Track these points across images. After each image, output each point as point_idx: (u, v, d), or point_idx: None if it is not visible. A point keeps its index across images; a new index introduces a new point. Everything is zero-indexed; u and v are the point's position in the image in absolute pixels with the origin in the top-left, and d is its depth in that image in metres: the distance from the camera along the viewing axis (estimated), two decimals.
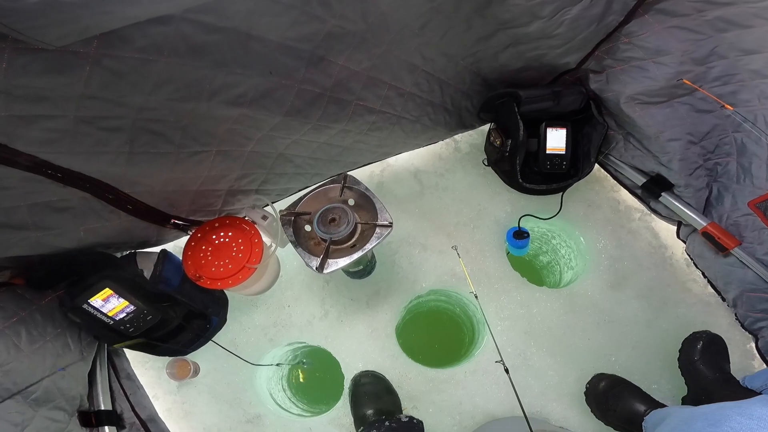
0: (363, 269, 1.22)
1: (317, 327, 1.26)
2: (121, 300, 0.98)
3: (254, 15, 0.66)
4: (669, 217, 1.24)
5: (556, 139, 1.18)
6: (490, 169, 1.39)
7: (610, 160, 1.30)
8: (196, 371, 1.25)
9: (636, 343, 1.20)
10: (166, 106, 0.70)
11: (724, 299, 1.20)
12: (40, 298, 1.01)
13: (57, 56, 0.54)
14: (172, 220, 1.06)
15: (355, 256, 0.93)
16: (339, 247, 0.99)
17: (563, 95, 1.13)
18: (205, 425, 1.20)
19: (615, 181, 1.34)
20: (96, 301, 0.96)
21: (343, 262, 0.94)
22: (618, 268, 1.29)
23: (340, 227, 0.95)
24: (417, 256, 1.31)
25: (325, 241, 0.95)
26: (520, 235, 1.28)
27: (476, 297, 1.09)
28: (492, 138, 1.27)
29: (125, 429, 1.12)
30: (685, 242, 1.26)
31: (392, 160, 1.39)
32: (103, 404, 1.11)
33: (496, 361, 0.86)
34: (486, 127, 1.37)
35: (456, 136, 1.41)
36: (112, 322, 0.99)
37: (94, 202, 0.82)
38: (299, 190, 1.24)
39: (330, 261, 0.93)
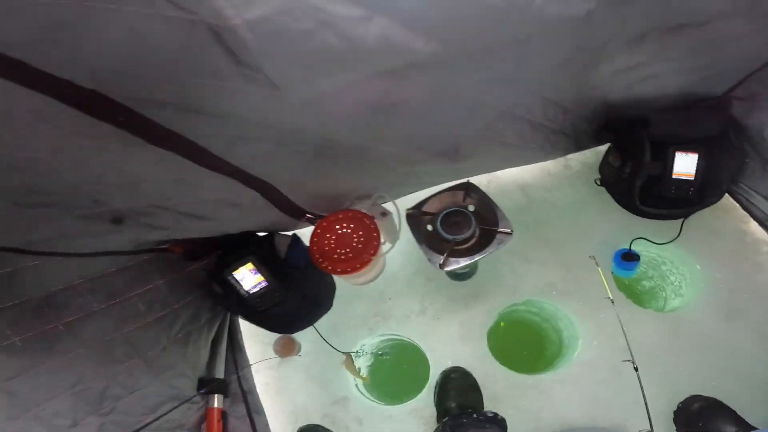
0: (468, 272, 1.27)
1: (414, 321, 1.33)
2: (258, 275, 1.13)
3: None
4: None
5: (684, 164, 1.14)
6: (601, 189, 1.37)
7: (743, 190, 1.23)
8: (298, 350, 1.37)
9: (742, 375, 1.13)
10: (351, 143, 0.82)
11: None
12: (188, 266, 1.18)
13: None
14: (307, 215, 1.19)
15: (476, 257, 0.99)
16: (457, 248, 1.05)
17: (698, 119, 1.10)
18: (295, 403, 1.31)
19: (744, 212, 1.26)
20: (239, 273, 1.11)
21: (464, 261, 1.00)
22: (736, 299, 1.22)
23: (463, 230, 1.01)
24: (519, 266, 1.34)
25: (447, 241, 1.02)
26: (630, 257, 1.25)
27: (612, 302, 1.10)
28: (611, 158, 1.26)
29: (228, 398, 1.26)
30: None
31: (500, 173, 1.43)
32: (219, 373, 1.26)
33: (624, 360, 0.90)
34: (600, 147, 1.36)
35: (568, 156, 1.41)
36: (246, 295, 1.14)
37: (260, 201, 0.96)
38: (412, 192, 1.32)
39: (451, 259, 1.00)
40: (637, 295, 1.55)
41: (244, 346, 1.38)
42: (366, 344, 1.42)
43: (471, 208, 1.09)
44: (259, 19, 0.49)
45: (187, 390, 1.14)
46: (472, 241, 1.06)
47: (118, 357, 0.96)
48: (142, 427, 0.98)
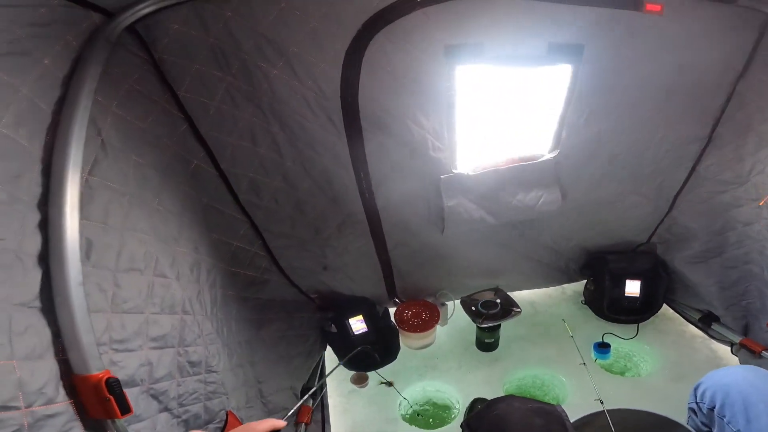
0: (493, 342, 1.93)
1: (453, 373, 1.93)
2: (362, 324, 1.83)
3: None
4: (721, 339, 1.75)
5: (632, 287, 1.87)
6: (584, 306, 2.11)
7: (677, 303, 1.92)
8: (367, 384, 1.96)
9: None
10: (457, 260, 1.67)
11: None
12: (315, 312, 1.90)
13: None
14: (395, 298, 1.96)
15: (500, 321, 1.71)
16: (489, 321, 1.76)
17: (638, 259, 1.87)
18: (355, 420, 1.81)
19: (681, 317, 1.92)
20: (352, 320, 1.82)
21: (492, 323, 1.71)
22: (679, 369, 1.77)
23: (493, 309, 1.74)
24: (526, 347, 1.98)
25: (483, 314, 1.74)
26: (604, 345, 1.89)
27: (585, 365, 1.64)
28: (588, 284, 2.02)
29: (315, 405, 1.77)
30: (736, 355, 1.70)
31: (516, 293, 2.14)
32: (314, 384, 1.84)
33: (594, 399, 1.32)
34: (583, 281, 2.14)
35: (564, 285, 2.20)
36: (352, 335, 1.82)
37: (381, 280, 1.78)
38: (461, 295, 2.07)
39: (486, 322, 1.71)
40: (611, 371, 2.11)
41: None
42: (415, 389, 1.98)
43: (498, 300, 1.83)
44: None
45: (298, 387, 1.68)
46: (498, 314, 1.77)
47: (279, 350, 1.56)
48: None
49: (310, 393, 1.73)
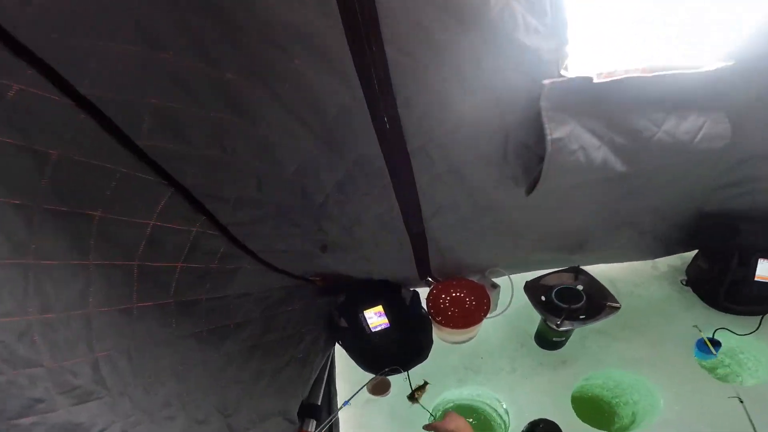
0: (561, 341, 1.41)
1: (503, 378, 1.45)
2: (383, 318, 1.31)
3: None
4: None
5: (766, 269, 1.31)
6: (686, 288, 1.55)
7: None
8: (389, 392, 1.49)
9: None
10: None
11: None
12: (319, 298, 1.37)
13: None
14: (428, 278, 1.40)
15: (589, 323, 1.16)
16: (572, 323, 1.22)
17: None
18: None
19: None
20: (369, 312, 1.30)
21: (577, 325, 1.16)
22: None
23: (576, 302, 1.19)
24: (604, 343, 1.47)
25: (561, 309, 1.19)
26: (715, 343, 1.38)
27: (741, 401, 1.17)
28: (700, 261, 1.44)
29: (319, 428, 1.34)
30: None
31: (588, 268, 1.61)
32: (316, 400, 1.37)
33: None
34: (685, 254, 1.55)
35: (656, 259, 1.61)
36: (369, 332, 1.31)
37: (410, 256, 1.19)
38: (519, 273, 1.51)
39: (566, 322, 1.17)
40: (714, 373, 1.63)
41: (335, 382, 1.51)
42: (451, 396, 1.53)
43: (580, 287, 1.27)
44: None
45: (292, 409, 1.23)
46: (584, 311, 1.23)
47: (252, 365, 1.06)
48: None
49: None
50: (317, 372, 1.38)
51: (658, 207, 1.21)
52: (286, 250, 0.98)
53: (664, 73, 0.78)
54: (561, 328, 1.16)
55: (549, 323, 1.18)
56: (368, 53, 0.59)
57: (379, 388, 1.50)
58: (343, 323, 1.34)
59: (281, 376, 1.18)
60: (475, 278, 1.41)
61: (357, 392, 1.20)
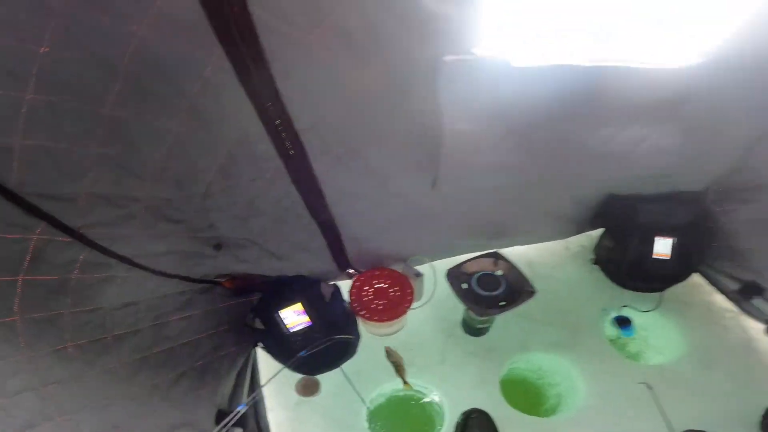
0: (485, 328, 1.42)
1: (434, 370, 1.43)
2: (303, 316, 1.23)
3: None
4: (758, 317, 1.39)
5: (663, 247, 1.40)
6: (594, 267, 1.62)
7: (710, 268, 1.50)
8: (320, 391, 1.42)
9: (726, 411, 1.30)
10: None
11: None
12: (225, 302, 1.25)
13: None
14: (349, 270, 1.33)
15: (507, 309, 1.16)
16: (493, 310, 1.22)
17: (677, 210, 1.37)
18: None
19: (711, 286, 1.52)
20: (285, 312, 1.21)
21: (495, 312, 1.16)
22: (709, 355, 1.42)
23: (496, 289, 1.18)
24: (527, 326, 1.50)
25: (482, 297, 1.18)
26: (624, 321, 1.46)
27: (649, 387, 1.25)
28: (604, 241, 1.51)
29: None
30: None
31: (508, 250, 1.62)
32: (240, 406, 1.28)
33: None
34: (593, 233, 1.62)
35: (569, 238, 1.67)
36: (287, 333, 1.23)
37: (324, 249, 1.11)
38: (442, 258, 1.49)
39: (489, 310, 1.16)
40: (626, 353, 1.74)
41: (260, 385, 1.41)
42: (386, 389, 1.48)
43: (499, 272, 1.27)
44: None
45: (204, 419, 1.14)
46: (503, 298, 1.23)
47: (141, 379, 0.96)
48: None
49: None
50: (230, 379, 1.27)
51: (573, 195, 1.25)
52: (168, 251, 0.84)
53: (608, 65, 0.72)
54: (482, 317, 1.15)
55: (474, 314, 1.17)
56: (227, 11, 0.50)
57: (309, 389, 1.42)
58: (259, 325, 1.24)
59: (179, 387, 1.06)
60: (397, 267, 1.37)
61: (257, 392, 1.08)
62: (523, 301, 1.18)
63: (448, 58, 0.63)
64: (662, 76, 0.74)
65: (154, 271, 0.89)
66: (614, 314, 1.50)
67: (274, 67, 0.58)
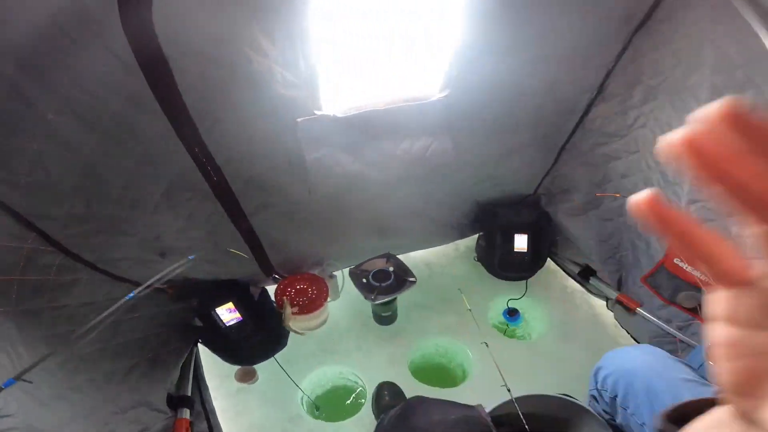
0: (390, 315, 1.78)
1: (353, 355, 1.76)
2: (235, 313, 1.52)
3: None
4: (598, 294, 1.85)
5: (520, 242, 1.84)
6: (477, 263, 2.06)
7: (559, 257, 1.96)
8: (257, 379, 1.70)
9: (579, 375, 1.59)
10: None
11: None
12: (167, 306, 1.52)
13: None
14: (274, 275, 1.66)
15: (395, 295, 1.52)
16: (383, 296, 1.58)
17: (525, 212, 1.84)
18: (252, 423, 1.58)
19: (564, 272, 1.98)
20: (220, 309, 1.50)
21: (387, 298, 1.52)
22: (565, 330, 1.84)
23: (386, 280, 1.55)
24: (426, 315, 1.88)
25: (375, 287, 1.55)
26: (513, 312, 1.87)
27: (487, 345, 1.52)
28: (480, 241, 1.95)
29: (193, 414, 1.48)
30: (612, 310, 1.83)
31: (411, 254, 2.05)
32: (187, 392, 1.52)
33: (501, 385, 1.22)
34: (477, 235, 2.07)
35: (457, 241, 2.10)
36: (224, 327, 1.51)
37: (250, 255, 1.44)
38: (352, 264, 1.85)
39: (380, 296, 1.52)
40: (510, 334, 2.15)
41: (204, 376, 1.66)
42: (317, 376, 1.76)
43: (390, 268, 1.65)
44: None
45: (157, 400, 1.36)
46: (392, 287, 1.60)
47: (102, 366, 1.18)
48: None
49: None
50: (177, 369, 1.52)
51: (442, 200, 1.67)
52: (122, 258, 1.14)
53: (396, 106, 1.19)
54: (376, 302, 1.51)
55: (369, 300, 1.53)
56: (165, 93, 0.85)
57: (247, 377, 1.68)
58: (198, 323, 1.52)
59: (134, 374, 1.30)
60: (315, 272, 1.71)
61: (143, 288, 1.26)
62: (407, 287, 1.56)
63: (300, 119, 1.06)
64: (429, 105, 1.24)
65: (111, 275, 1.17)
66: (504, 309, 1.92)
67: (198, 123, 0.95)
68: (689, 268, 1.45)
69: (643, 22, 1.22)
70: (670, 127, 1.30)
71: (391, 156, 1.26)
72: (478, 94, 1.28)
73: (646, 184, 1.49)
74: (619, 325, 1.84)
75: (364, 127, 1.17)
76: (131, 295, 1.01)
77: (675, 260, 1.49)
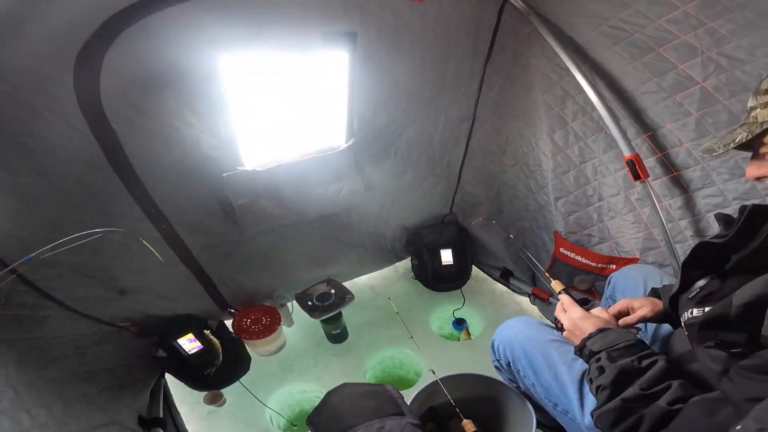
0: (340, 333, 1.99)
1: (311, 371, 1.94)
2: (196, 342, 1.72)
3: None
4: (520, 292, 2.12)
5: (446, 256, 2.13)
6: (416, 281, 2.32)
7: (483, 264, 2.25)
8: (224, 401, 1.84)
9: None
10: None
11: None
12: (130, 343, 1.69)
13: None
14: (229, 309, 1.88)
15: (336, 311, 1.76)
16: (326, 313, 1.82)
17: (446, 230, 2.14)
18: None
19: (489, 277, 2.26)
20: (182, 340, 1.69)
21: (329, 314, 1.76)
22: (498, 325, 2.02)
23: (327, 300, 1.80)
24: (375, 331, 2.10)
25: (318, 306, 1.79)
26: (460, 321, 2.11)
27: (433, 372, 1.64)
28: (413, 261, 2.23)
29: None
30: (534, 304, 2.08)
31: (357, 279, 2.31)
32: (159, 414, 1.65)
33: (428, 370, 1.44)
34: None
35: (396, 264, 2.38)
36: (186, 355, 1.70)
37: (203, 293, 1.67)
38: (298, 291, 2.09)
39: (323, 314, 1.75)
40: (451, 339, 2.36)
41: (176, 404, 1.80)
42: (283, 394, 1.91)
43: (332, 290, 1.90)
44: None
45: (127, 419, 1.46)
46: (333, 305, 1.84)
47: (72, 388, 1.31)
48: None
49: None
50: (145, 395, 1.65)
51: (371, 230, 1.96)
52: (85, 296, 1.36)
53: (309, 157, 1.50)
54: (321, 318, 1.75)
55: (314, 317, 1.76)
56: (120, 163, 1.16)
57: (215, 399, 1.82)
58: (162, 353, 1.70)
59: (102, 396, 1.43)
60: (267, 302, 1.94)
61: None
62: (346, 304, 1.80)
63: (225, 174, 1.38)
64: (339, 153, 1.55)
65: (77, 312, 1.38)
66: (453, 320, 2.15)
67: (144, 181, 1.24)
68: (572, 254, 1.76)
69: (489, 55, 1.58)
70: (534, 141, 1.64)
71: (307, 201, 1.56)
72: (378, 140, 1.62)
73: (527, 190, 1.83)
74: (542, 315, 2.09)
75: (281, 178, 1.48)
76: (30, 256, 1.11)
77: (561, 250, 1.80)
